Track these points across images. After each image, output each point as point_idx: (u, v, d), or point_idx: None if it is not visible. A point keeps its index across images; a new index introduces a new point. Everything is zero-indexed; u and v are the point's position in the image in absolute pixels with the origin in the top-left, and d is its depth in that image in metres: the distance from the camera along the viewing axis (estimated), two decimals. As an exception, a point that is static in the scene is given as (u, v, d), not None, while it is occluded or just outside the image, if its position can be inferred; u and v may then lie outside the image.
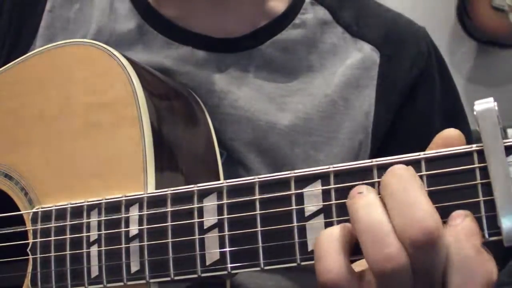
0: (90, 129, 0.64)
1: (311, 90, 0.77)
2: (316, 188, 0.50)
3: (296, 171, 0.51)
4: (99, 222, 0.59)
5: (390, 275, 0.44)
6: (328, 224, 0.50)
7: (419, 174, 0.47)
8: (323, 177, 0.50)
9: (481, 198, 0.46)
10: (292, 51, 0.78)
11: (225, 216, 0.53)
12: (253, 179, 0.53)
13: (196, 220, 0.54)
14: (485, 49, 2.85)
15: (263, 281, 0.73)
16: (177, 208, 0.55)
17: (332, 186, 0.50)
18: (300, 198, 0.51)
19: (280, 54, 0.78)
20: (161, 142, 0.62)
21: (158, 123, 0.63)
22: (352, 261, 0.48)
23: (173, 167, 0.64)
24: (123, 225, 0.58)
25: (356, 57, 0.79)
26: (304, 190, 0.51)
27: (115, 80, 0.64)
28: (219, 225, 0.53)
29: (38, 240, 0.62)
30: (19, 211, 0.65)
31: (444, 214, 0.46)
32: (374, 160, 0.49)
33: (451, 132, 0.49)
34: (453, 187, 0.47)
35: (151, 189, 0.58)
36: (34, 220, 0.63)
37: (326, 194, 0.50)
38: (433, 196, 0.46)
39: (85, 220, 0.60)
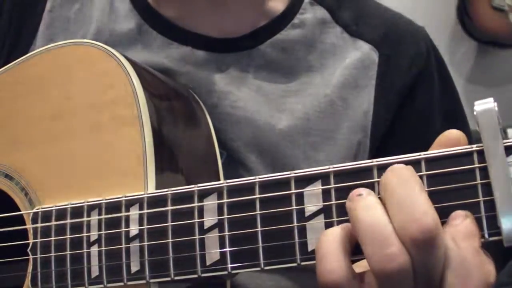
0: (90, 129, 0.64)
1: (310, 90, 0.77)
2: (316, 188, 0.50)
3: (296, 171, 0.51)
4: (99, 222, 0.59)
5: (391, 275, 0.44)
6: (328, 224, 0.50)
7: (419, 174, 0.47)
8: (323, 177, 0.50)
9: (481, 198, 0.46)
10: (291, 51, 0.78)
11: (225, 216, 0.53)
12: (253, 179, 0.53)
13: (196, 220, 0.54)
14: (485, 49, 2.85)
15: (263, 281, 0.73)
16: (177, 208, 0.55)
17: (332, 186, 0.50)
18: (300, 198, 0.51)
19: (280, 54, 0.78)
20: (161, 142, 0.62)
21: (158, 123, 0.63)
22: (352, 262, 0.48)
23: (173, 167, 0.64)
24: (123, 225, 0.58)
25: (355, 56, 0.79)
26: (304, 190, 0.51)
27: (115, 80, 0.64)
28: (219, 225, 0.54)
29: (39, 240, 0.62)
30: (19, 211, 0.65)
31: (444, 214, 0.46)
32: (374, 160, 0.49)
33: (454, 133, 0.49)
34: (453, 187, 0.47)
35: (151, 189, 0.58)
36: (34, 220, 0.63)
37: (326, 194, 0.50)
38: (433, 196, 0.46)
39: (85, 220, 0.60)
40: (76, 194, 0.62)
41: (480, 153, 0.46)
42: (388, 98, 0.79)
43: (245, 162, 0.74)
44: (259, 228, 0.52)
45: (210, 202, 0.54)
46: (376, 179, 0.48)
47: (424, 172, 0.47)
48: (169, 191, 0.56)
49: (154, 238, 0.56)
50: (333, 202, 0.50)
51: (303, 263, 0.50)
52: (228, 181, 0.54)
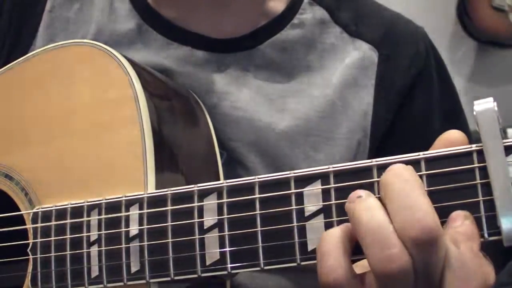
0: (90, 129, 0.64)
1: (310, 91, 0.77)
2: (316, 188, 0.50)
3: (296, 171, 0.52)
4: (99, 222, 0.59)
5: (393, 276, 0.44)
6: (328, 224, 0.50)
7: (418, 173, 0.47)
8: (323, 177, 0.50)
9: (480, 198, 0.46)
10: (291, 51, 0.78)
11: (225, 216, 0.53)
12: (253, 179, 0.53)
13: (196, 220, 0.54)
14: (485, 49, 2.85)
15: (263, 281, 0.73)
16: (177, 208, 0.55)
17: (332, 185, 0.50)
18: (300, 198, 0.51)
19: (279, 54, 0.78)
20: (161, 142, 0.62)
21: (158, 123, 0.63)
22: (352, 261, 0.48)
23: (173, 167, 0.64)
24: (123, 225, 0.58)
25: (355, 56, 0.79)
26: (304, 190, 0.51)
27: (115, 80, 0.64)
28: (219, 225, 0.54)
29: (39, 240, 0.62)
30: (20, 211, 0.65)
31: (444, 214, 0.46)
32: (374, 160, 0.49)
33: (454, 134, 0.49)
34: (452, 187, 0.47)
35: (151, 189, 0.59)
36: (34, 220, 0.63)
37: (326, 194, 0.50)
38: (433, 196, 0.46)
39: (85, 220, 0.60)
40: (76, 194, 0.62)
41: (480, 152, 0.46)
42: (387, 98, 0.79)
43: (245, 162, 0.74)
44: (259, 228, 0.52)
45: (210, 202, 0.54)
46: (375, 179, 0.48)
47: (423, 172, 0.48)
48: (169, 191, 0.56)
49: (154, 238, 0.56)
50: (333, 202, 0.50)
51: (303, 263, 0.50)
52: (228, 181, 0.54)
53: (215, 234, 0.54)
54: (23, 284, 0.63)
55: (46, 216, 0.62)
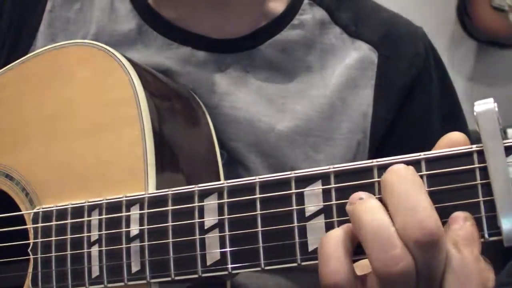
0: (91, 129, 0.64)
1: (309, 91, 0.78)
2: (316, 188, 0.50)
3: (296, 171, 0.52)
4: (100, 222, 0.59)
5: (395, 278, 0.44)
6: (328, 224, 0.50)
7: (419, 174, 0.47)
8: (324, 177, 0.50)
9: (481, 199, 0.46)
10: (291, 52, 0.78)
11: (226, 216, 0.53)
12: (253, 179, 0.53)
13: (196, 220, 0.55)
14: (485, 49, 2.85)
15: (263, 281, 0.73)
16: (177, 208, 0.55)
17: (333, 186, 0.50)
18: (300, 198, 0.51)
19: (279, 54, 0.78)
20: (162, 143, 0.62)
21: (159, 123, 0.63)
22: (353, 261, 0.48)
23: (174, 167, 0.64)
24: (124, 225, 0.58)
25: (354, 57, 0.79)
26: (304, 190, 0.51)
27: (116, 80, 0.64)
28: (219, 225, 0.54)
29: (39, 240, 0.62)
30: (20, 211, 0.65)
31: (444, 214, 0.46)
32: (374, 160, 0.49)
33: (456, 136, 0.49)
34: (453, 187, 0.47)
35: (151, 189, 0.59)
36: (35, 221, 0.63)
37: (326, 194, 0.50)
38: (433, 196, 0.46)
39: (86, 220, 0.60)
40: (76, 194, 0.62)
41: (480, 153, 0.46)
42: (387, 98, 0.79)
43: (245, 163, 0.74)
44: (259, 228, 0.52)
45: (211, 202, 0.54)
46: (376, 179, 0.49)
47: (424, 172, 0.48)
48: (169, 191, 0.56)
49: (154, 238, 0.56)
50: (334, 202, 0.50)
51: (303, 263, 0.51)
52: (228, 181, 0.54)
53: (215, 234, 0.54)
54: (24, 284, 0.63)
55: (47, 216, 0.62)
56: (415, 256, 0.44)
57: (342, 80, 0.78)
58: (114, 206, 0.59)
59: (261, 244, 0.52)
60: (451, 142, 0.48)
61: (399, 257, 0.44)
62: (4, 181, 0.68)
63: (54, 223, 0.61)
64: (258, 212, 0.52)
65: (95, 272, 0.58)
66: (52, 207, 0.62)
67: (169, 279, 0.55)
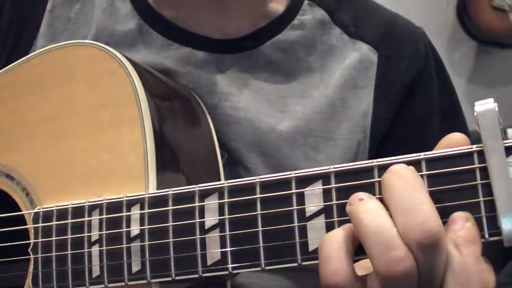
0: (91, 129, 0.64)
1: (310, 92, 0.78)
2: (317, 188, 0.51)
3: (297, 171, 0.52)
4: (100, 222, 0.59)
5: (397, 279, 0.44)
6: (329, 224, 0.50)
7: (419, 174, 0.47)
8: (324, 177, 0.50)
9: (481, 199, 0.46)
10: (291, 52, 0.79)
11: (226, 216, 0.53)
12: (254, 179, 0.53)
13: (197, 220, 0.55)
14: (485, 49, 2.85)
15: (263, 281, 0.73)
16: (178, 208, 0.56)
17: (333, 185, 0.50)
18: (301, 198, 0.51)
19: (280, 55, 0.78)
20: (162, 143, 0.62)
21: (160, 123, 0.63)
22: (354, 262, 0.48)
23: (175, 167, 0.64)
24: (124, 225, 0.58)
25: (354, 57, 0.79)
26: (305, 190, 0.51)
27: (116, 80, 0.64)
28: (220, 225, 0.54)
29: (40, 240, 0.62)
30: (20, 211, 0.65)
31: (445, 214, 0.46)
32: (375, 160, 0.49)
33: (457, 136, 0.49)
34: (453, 187, 0.47)
35: (152, 189, 0.59)
36: (35, 220, 0.63)
37: (327, 194, 0.50)
38: (434, 196, 0.46)
39: (86, 220, 0.60)
40: (77, 194, 0.62)
41: (481, 153, 0.46)
42: (387, 98, 0.79)
43: (246, 163, 0.75)
44: (260, 228, 0.52)
45: (211, 202, 0.54)
46: (376, 179, 0.49)
47: (424, 172, 0.48)
48: (170, 191, 0.56)
49: (155, 238, 0.56)
50: (334, 202, 0.50)
51: (304, 263, 0.51)
52: (229, 181, 0.54)
53: (216, 234, 0.54)
54: (24, 283, 0.63)
55: (47, 216, 0.62)
56: (417, 257, 0.44)
57: (342, 80, 0.78)
58: (115, 206, 0.59)
59: (261, 244, 0.52)
60: (452, 143, 0.48)
61: (401, 258, 0.44)
62: (4, 181, 0.68)
63: (54, 223, 0.61)
64: (259, 212, 0.52)
65: (96, 272, 0.58)
66: (53, 207, 0.62)
67: (169, 279, 0.55)
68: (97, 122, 0.64)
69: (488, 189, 0.46)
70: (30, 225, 0.63)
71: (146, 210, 0.57)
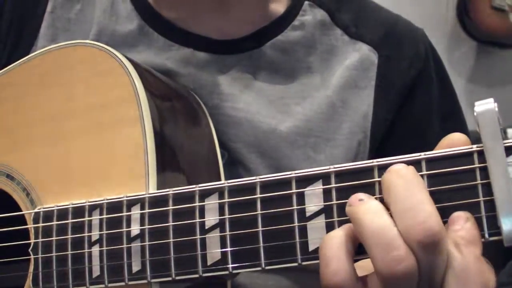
0: (91, 129, 0.64)
1: (310, 92, 0.78)
2: (317, 188, 0.51)
3: (297, 171, 0.52)
4: (101, 222, 0.59)
5: (398, 278, 0.44)
6: (329, 224, 0.50)
7: (419, 174, 0.47)
8: (324, 177, 0.50)
9: (481, 198, 0.46)
10: (291, 53, 0.79)
11: (227, 216, 0.53)
12: (254, 179, 0.53)
13: (197, 220, 0.55)
14: (485, 49, 2.85)
15: (263, 281, 0.73)
16: (178, 208, 0.56)
17: (333, 185, 0.50)
18: (301, 198, 0.51)
19: (280, 55, 0.78)
20: (162, 143, 0.62)
21: (160, 123, 0.63)
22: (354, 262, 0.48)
23: (175, 167, 0.64)
24: (125, 225, 0.58)
25: (355, 58, 0.79)
26: (305, 190, 0.51)
27: (116, 80, 0.64)
28: (220, 225, 0.54)
29: (40, 240, 0.62)
30: (21, 211, 0.66)
31: (445, 214, 0.46)
32: (375, 160, 0.49)
33: (457, 137, 0.49)
34: (453, 187, 0.47)
35: (152, 189, 0.59)
36: (35, 220, 0.63)
37: (327, 194, 0.50)
38: (434, 196, 0.46)
39: (86, 220, 0.60)
40: (77, 194, 0.62)
41: (481, 153, 0.46)
42: (387, 98, 0.79)
43: (246, 163, 0.75)
44: (260, 228, 0.52)
45: (211, 202, 0.54)
46: (377, 179, 0.49)
47: (424, 172, 0.48)
48: (170, 191, 0.56)
49: (155, 238, 0.56)
50: (334, 202, 0.50)
51: (304, 263, 0.51)
52: (229, 181, 0.54)
53: (216, 234, 0.54)
54: (25, 284, 0.63)
55: (48, 216, 0.62)
56: (418, 257, 0.44)
57: (343, 81, 0.78)
58: (115, 206, 0.59)
59: (261, 244, 0.52)
60: (452, 143, 0.48)
61: (402, 258, 0.44)
62: (5, 181, 0.68)
63: (54, 223, 0.61)
64: (259, 212, 0.52)
65: (96, 272, 0.58)
66: (53, 207, 0.62)
67: (169, 279, 0.55)
68: (98, 122, 0.64)
69: (488, 189, 0.46)
70: (30, 225, 0.63)
71: (146, 210, 0.57)
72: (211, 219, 0.54)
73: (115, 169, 0.62)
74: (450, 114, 0.84)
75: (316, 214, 0.50)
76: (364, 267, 0.49)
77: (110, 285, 0.58)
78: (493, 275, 0.46)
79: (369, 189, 0.49)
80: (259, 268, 0.52)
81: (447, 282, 0.45)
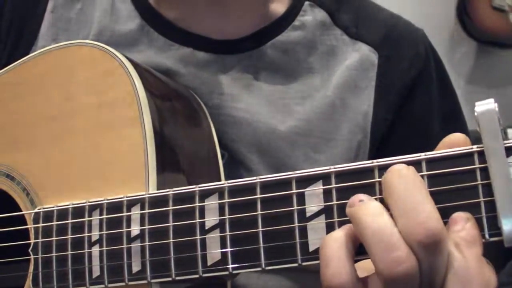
0: (91, 129, 0.64)
1: (310, 92, 0.78)
2: (317, 188, 0.51)
3: (297, 171, 0.52)
4: (101, 222, 0.59)
5: (399, 279, 0.44)
6: (329, 225, 0.50)
7: (420, 174, 0.47)
8: (324, 178, 0.50)
9: (481, 199, 0.46)
10: (291, 53, 0.79)
11: (227, 216, 0.53)
12: (254, 179, 0.53)
13: (197, 220, 0.55)
14: (485, 49, 2.85)
15: (263, 281, 0.73)
16: (178, 208, 0.56)
17: (334, 186, 0.50)
18: (301, 199, 0.51)
19: (280, 55, 0.78)
20: (162, 143, 0.62)
21: (160, 123, 0.63)
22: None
23: (175, 167, 0.64)
24: (125, 225, 0.58)
25: (355, 58, 0.79)
26: (305, 190, 0.51)
27: (116, 80, 0.64)
28: (220, 225, 0.54)
29: (40, 240, 0.62)
30: (21, 211, 0.65)
31: (445, 214, 0.46)
32: (375, 160, 0.49)
33: (458, 137, 0.49)
34: (453, 188, 0.47)
35: (152, 190, 0.59)
36: (35, 221, 0.63)
37: (327, 195, 0.50)
38: (434, 197, 0.46)
39: (86, 220, 0.60)
40: (77, 194, 0.62)
41: (481, 153, 0.46)
42: (388, 99, 0.79)
43: (246, 163, 0.75)
44: (260, 229, 0.52)
45: (212, 202, 0.54)
46: (377, 179, 0.49)
47: (424, 173, 0.48)
48: (170, 191, 0.56)
49: (155, 238, 0.56)
50: (334, 202, 0.50)
51: (304, 264, 0.51)
52: (229, 181, 0.54)
53: (216, 234, 0.54)
54: (25, 284, 0.63)
55: (48, 216, 0.62)
56: (419, 257, 0.44)
57: (343, 81, 0.78)
58: (115, 206, 0.59)
59: (261, 244, 0.52)
60: (453, 143, 0.48)
61: (403, 259, 0.44)
62: (4, 181, 0.68)
63: (54, 223, 0.61)
64: (259, 212, 0.52)
65: (96, 272, 0.58)
66: (53, 207, 0.62)
67: (169, 279, 0.55)
68: (98, 122, 0.64)
69: (488, 189, 0.46)
70: (30, 225, 0.63)
71: (146, 210, 0.57)
72: (211, 219, 0.54)
73: (115, 169, 0.62)
74: (451, 114, 0.84)
75: (316, 215, 0.50)
76: (364, 267, 0.49)
77: (110, 285, 0.58)
78: (494, 276, 0.46)
79: (369, 189, 0.49)
80: (259, 269, 0.52)
81: (448, 282, 0.45)
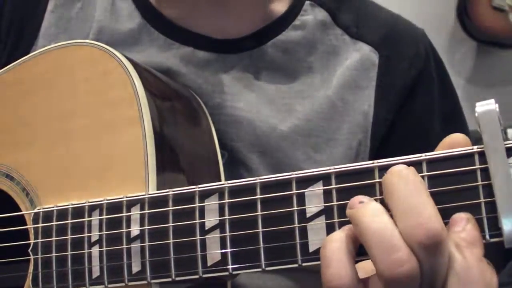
0: (91, 129, 0.64)
1: (311, 92, 0.78)
2: (317, 189, 0.50)
3: (297, 172, 0.52)
4: (100, 223, 0.59)
5: (400, 280, 0.44)
6: (329, 225, 0.50)
7: (420, 175, 0.47)
8: (325, 178, 0.50)
9: (482, 200, 0.46)
10: (292, 52, 0.79)
11: (227, 216, 0.53)
12: (254, 180, 0.53)
13: (197, 220, 0.54)
14: (485, 49, 2.85)
15: (263, 282, 0.73)
16: (178, 208, 0.55)
17: (334, 186, 0.50)
18: (301, 199, 0.51)
19: (281, 55, 0.78)
20: (162, 143, 0.62)
21: (160, 123, 0.63)
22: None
23: (175, 167, 0.64)
24: (125, 226, 0.58)
25: (355, 58, 0.79)
26: (305, 190, 0.51)
27: (116, 80, 0.64)
28: (220, 226, 0.54)
29: (40, 240, 0.62)
30: (20, 211, 0.65)
31: (446, 215, 0.46)
32: (375, 161, 0.49)
33: (458, 137, 0.49)
34: (454, 188, 0.47)
35: (152, 190, 0.59)
36: (35, 221, 0.63)
37: (327, 195, 0.50)
38: (435, 197, 0.46)
39: (86, 220, 0.60)
40: (77, 194, 0.62)
41: (481, 154, 0.46)
42: (388, 98, 0.79)
43: (246, 163, 0.74)
44: (260, 229, 0.52)
45: (212, 203, 0.54)
46: (377, 180, 0.48)
47: (425, 173, 0.48)
48: (170, 192, 0.56)
49: (155, 238, 0.56)
50: (334, 203, 0.50)
51: (304, 264, 0.50)
52: (229, 182, 0.54)
53: (216, 234, 0.54)
54: (24, 284, 0.63)
55: (47, 216, 0.62)
56: (419, 258, 0.44)
57: (343, 80, 0.78)
58: (115, 207, 0.59)
59: (261, 245, 0.52)
60: (453, 144, 0.48)
61: (404, 260, 0.44)
62: (4, 181, 0.68)
63: (54, 223, 0.61)
64: (259, 212, 0.52)
65: (96, 272, 0.58)
66: (53, 207, 0.62)
67: (169, 279, 0.55)
68: (97, 122, 0.64)
69: (489, 190, 0.46)
70: (30, 225, 0.63)
71: (146, 211, 0.57)
72: (211, 219, 0.54)
73: (114, 169, 0.61)
74: (451, 114, 0.84)
75: (317, 215, 0.50)
76: (364, 268, 0.49)
77: (110, 285, 0.58)
78: (495, 276, 0.46)
79: (369, 190, 0.48)
80: (259, 269, 0.52)
81: (448, 283, 0.45)
